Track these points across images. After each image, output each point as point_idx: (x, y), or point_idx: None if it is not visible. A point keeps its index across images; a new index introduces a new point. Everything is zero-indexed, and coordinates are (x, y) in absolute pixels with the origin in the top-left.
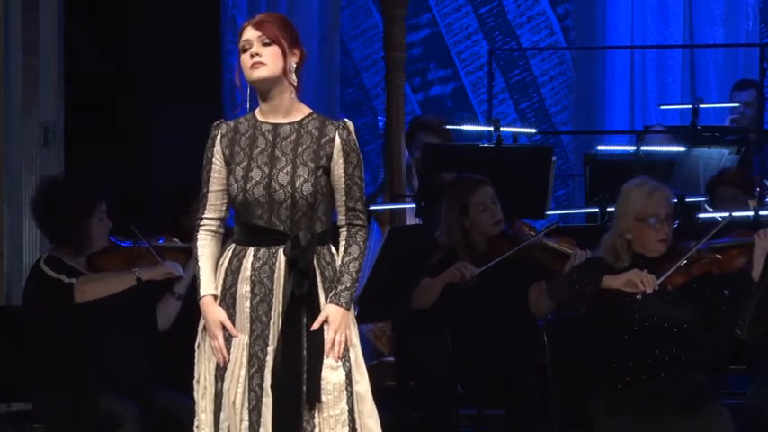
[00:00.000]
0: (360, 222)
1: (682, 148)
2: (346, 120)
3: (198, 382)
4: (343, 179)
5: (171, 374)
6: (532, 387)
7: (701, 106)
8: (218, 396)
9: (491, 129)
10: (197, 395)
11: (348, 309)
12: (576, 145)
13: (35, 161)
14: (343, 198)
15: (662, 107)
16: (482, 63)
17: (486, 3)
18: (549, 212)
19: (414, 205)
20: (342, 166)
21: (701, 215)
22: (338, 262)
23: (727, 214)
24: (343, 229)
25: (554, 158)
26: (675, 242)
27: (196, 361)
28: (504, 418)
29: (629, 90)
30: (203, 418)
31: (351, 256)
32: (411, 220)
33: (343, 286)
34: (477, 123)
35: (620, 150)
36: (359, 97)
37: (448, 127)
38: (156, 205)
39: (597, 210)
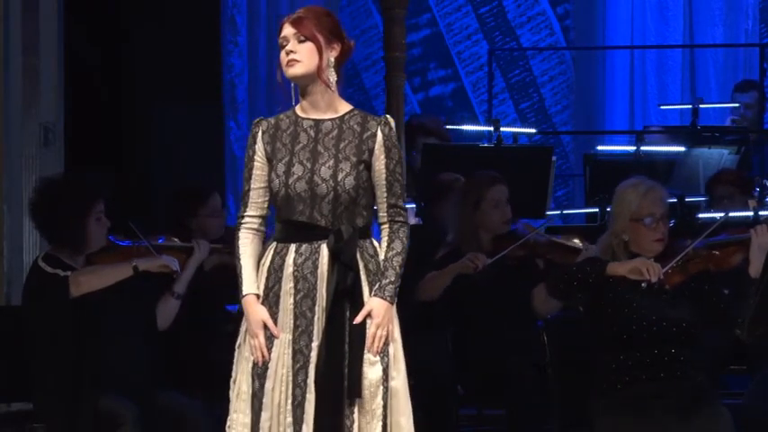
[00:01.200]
0: (401, 219)
1: (682, 148)
2: (388, 116)
3: (234, 381)
4: (384, 175)
5: (171, 374)
6: (532, 387)
7: (701, 106)
8: (256, 395)
9: (491, 129)
10: (232, 395)
11: (392, 303)
12: (576, 145)
13: (35, 161)
14: (385, 195)
15: (662, 107)
16: (482, 63)
17: (486, 3)
18: (549, 212)
19: (414, 205)
20: (383, 161)
21: (700, 215)
22: (381, 256)
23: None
24: (385, 225)
25: (554, 158)
26: (672, 241)
27: (235, 361)
28: (504, 418)
29: (629, 90)
30: (235, 417)
31: (394, 251)
32: (411, 221)
33: (388, 280)
34: (477, 123)
35: (620, 150)
36: (359, 97)
37: (448, 127)
38: (155, 205)
39: (597, 210)
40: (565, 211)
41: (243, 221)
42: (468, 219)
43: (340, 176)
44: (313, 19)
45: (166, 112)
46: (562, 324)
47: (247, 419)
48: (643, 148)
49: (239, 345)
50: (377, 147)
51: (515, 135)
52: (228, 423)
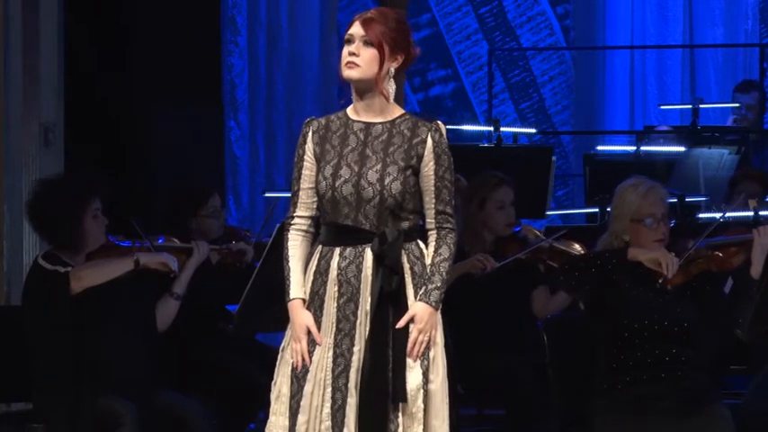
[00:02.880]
0: (449, 225)
1: (682, 148)
2: (439, 122)
3: (275, 384)
4: (433, 181)
5: (170, 374)
6: (532, 387)
7: (701, 106)
8: (293, 397)
9: (491, 129)
10: (272, 397)
11: (437, 309)
12: (576, 145)
13: (35, 161)
14: (433, 201)
15: (662, 107)
16: (482, 63)
17: (486, 3)
18: (549, 212)
19: None
20: (432, 167)
21: (700, 215)
22: (428, 259)
23: (729, 214)
24: (433, 231)
25: (554, 158)
26: (674, 241)
27: (278, 363)
28: (504, 418)
29: (629, 90)
30: (274, 420)
31: (441, 257)
32: None
33: (434, 285)
34: (477, 123)
35: (620, 150)
36: None
37: (448, 127)
38: (155, 205)
39: (597, 210)
40: (565, 211)
41: (292, 222)
42: (473, 218)
43: (387, 180)
44: (383, 24)
45: (166, 112)
46: (562, 324)
47: (286, 422)
48: (643, 148)
49: (283, 348)
50: (426, 153)
51: (515, 135)
52: (267, 426)
